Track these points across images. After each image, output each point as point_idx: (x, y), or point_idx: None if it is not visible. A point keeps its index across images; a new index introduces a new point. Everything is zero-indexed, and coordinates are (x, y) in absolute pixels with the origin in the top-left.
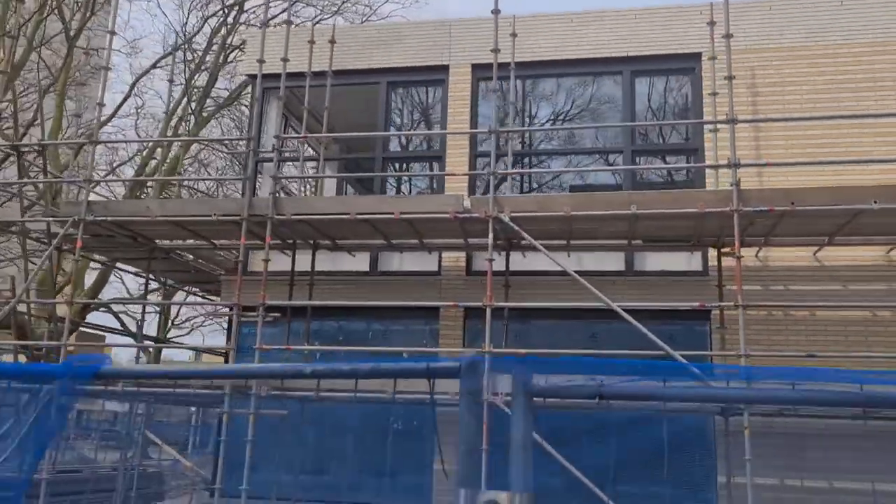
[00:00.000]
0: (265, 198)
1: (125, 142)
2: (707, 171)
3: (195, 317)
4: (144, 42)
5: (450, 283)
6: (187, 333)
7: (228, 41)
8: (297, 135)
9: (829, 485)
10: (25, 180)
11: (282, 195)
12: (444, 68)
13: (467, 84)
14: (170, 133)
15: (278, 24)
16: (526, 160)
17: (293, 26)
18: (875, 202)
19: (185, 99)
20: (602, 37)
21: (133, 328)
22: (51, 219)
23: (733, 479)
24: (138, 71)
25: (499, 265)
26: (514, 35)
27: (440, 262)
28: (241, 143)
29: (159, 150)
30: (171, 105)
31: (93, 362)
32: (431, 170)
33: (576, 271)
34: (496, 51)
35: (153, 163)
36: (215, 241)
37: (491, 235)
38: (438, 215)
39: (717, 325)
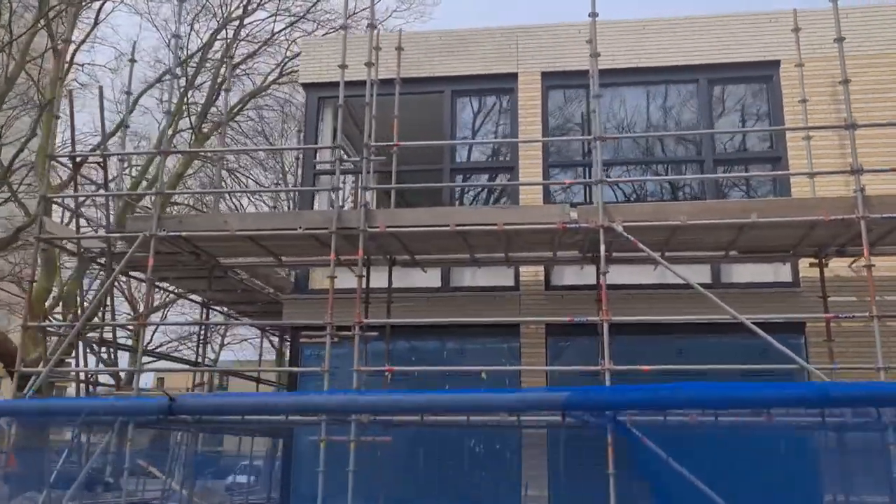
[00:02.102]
0: (355, 210)
1: (194, 151)
2: (792, 180)
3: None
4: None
5: (529, 299)
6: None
7: (228, 55)
8: (386, 143)
9: None
10: (96, 193)
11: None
12: (513, 76)
13: (537, 92)
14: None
15: (328, 33)
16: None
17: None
18: None
19: (177, 116)
20: (676, 44)
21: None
22: (116, 234)
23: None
24: (123, 85)
25: (577, 280)
26: (590, 41)
27: (517, 276)
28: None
29: (151, 167)
30: (165, 122)
31: None
32: (498, 180)
33: (660, 284)
34: (595, 55)
35: (143, 182)
36: (282, 258)
37: (603, 247)
38: (542, 226)
39: (816, 337)
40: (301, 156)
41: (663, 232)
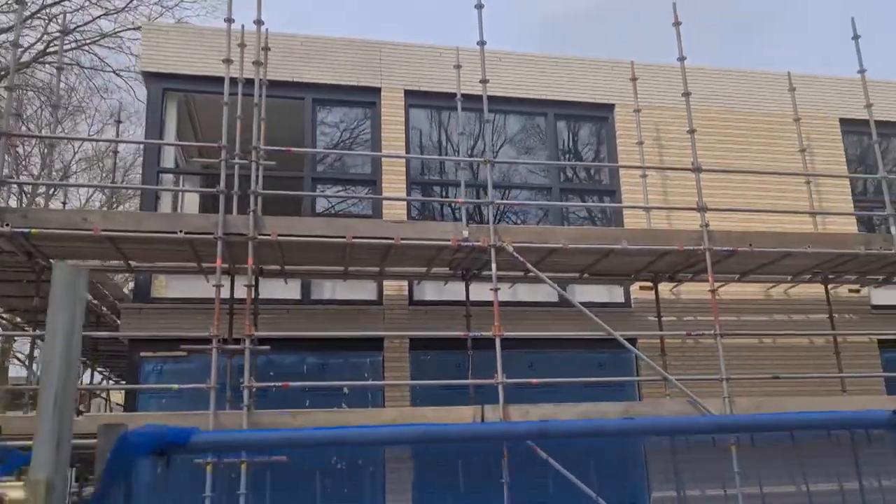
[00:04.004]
0: (243, 216)
1: (47, 137)
2: (624, 213)
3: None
4: None
5: (392, 313)
6: None
7: None
8: (283, 148)
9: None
10: None
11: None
12: (376, 91)
13: (400, 109)
14: None
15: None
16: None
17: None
18: (808, 247)
19: None
20: (528, 78)
21: None
22: None
23: (659, 493)
24: None
25: (439, 295)
26: (458, 67)
27: (380, 290)
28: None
29: None
30: None
31: None
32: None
33: (514, 301)
34: (484, 81)
35: None
36: (131, 262)
37: (494, 265)
38: (437, 242)
39: (645, 352)
40: (117, 149)
41: (540, 253)
